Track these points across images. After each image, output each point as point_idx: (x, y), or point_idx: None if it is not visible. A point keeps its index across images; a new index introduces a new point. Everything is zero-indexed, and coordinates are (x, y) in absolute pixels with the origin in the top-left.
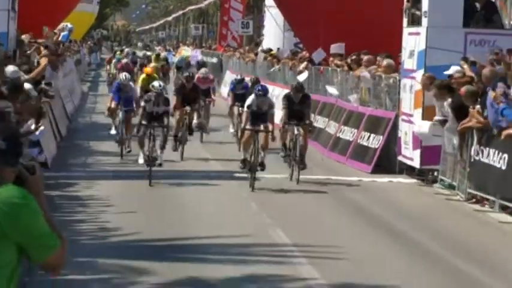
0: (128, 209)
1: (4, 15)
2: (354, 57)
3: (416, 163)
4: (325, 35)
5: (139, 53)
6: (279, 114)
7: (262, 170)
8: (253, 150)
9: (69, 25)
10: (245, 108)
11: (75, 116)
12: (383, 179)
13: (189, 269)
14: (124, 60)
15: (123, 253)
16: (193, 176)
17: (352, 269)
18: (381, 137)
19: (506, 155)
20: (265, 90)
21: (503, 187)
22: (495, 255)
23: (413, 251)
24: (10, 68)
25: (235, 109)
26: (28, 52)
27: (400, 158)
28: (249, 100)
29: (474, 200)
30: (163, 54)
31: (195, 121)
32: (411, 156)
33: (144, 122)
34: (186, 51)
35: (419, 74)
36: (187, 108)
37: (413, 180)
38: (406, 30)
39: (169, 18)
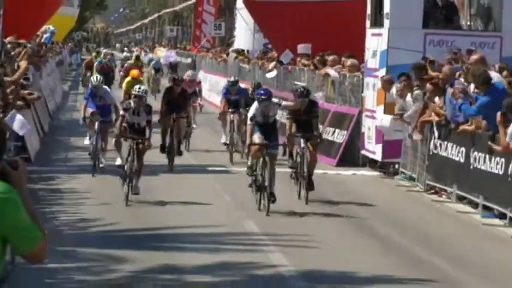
0: (107, 201)
1: None
2: (317, 58)
3: (378, 156)
4: (292, 37)
5: (121, 55)
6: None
7: (273, 201)
8: (262, 168)
9: (51, 28)
10: (248, 121)
11: (56, 113)
12: (347, 172)
13: (166, 257)
14: (103, 61)
15: (102, 242)
16: (168, 170)
17: (319, 256)
18: (345, 132)
19: (463, 149)
20: (268, 94)
21: (460, 179)
22: (452, 242)
23: (375, 238)
24: None
25: (228, 116)
26: (12, 53)
27: (363, 152)
28: (252, 110)
29: (433, 191)
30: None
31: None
32: (374, 150)
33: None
34: (161, 51)
35: (381, 73)
36: (173, 115)
37: (376, 173)
38: (369, 31)
39: (146, 21)
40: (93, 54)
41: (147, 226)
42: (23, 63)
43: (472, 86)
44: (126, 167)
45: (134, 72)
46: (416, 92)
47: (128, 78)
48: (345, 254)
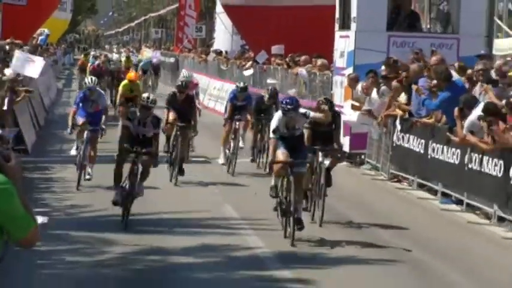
0: (97, 189)
1: None
2: (287, 58)
3: (346, 148)
4: (267, 38)
5: (112, 56)
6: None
7: (300, 229)
8: (286, 190)
9: (46, 31)
10: (271, 135)
11: (51, 108)
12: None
13: (152, 240)
14: (96, 62)
15: (92, 227)
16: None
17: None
18: None
19: (423, 141)
20: (294, 103)
21: (421, 168)
22: (413, 226)
23: (341, 222)
24: None
25: (233, 123)
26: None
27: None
28: (274, 121)
29: (396, 179)
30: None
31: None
32: (342, 142)
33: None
34: (147, 52)
35: (348, 71)
36: (179, 123)
37: (344, 163)
38: (338, 33)
39: (133, 24)
40: (82, 56)
41: (134, 212)
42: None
43: (434, 82)
44: (126, 185)
45: (131, 74)
46: (383, 88)
47: (125, 81)
48: (316, 237)
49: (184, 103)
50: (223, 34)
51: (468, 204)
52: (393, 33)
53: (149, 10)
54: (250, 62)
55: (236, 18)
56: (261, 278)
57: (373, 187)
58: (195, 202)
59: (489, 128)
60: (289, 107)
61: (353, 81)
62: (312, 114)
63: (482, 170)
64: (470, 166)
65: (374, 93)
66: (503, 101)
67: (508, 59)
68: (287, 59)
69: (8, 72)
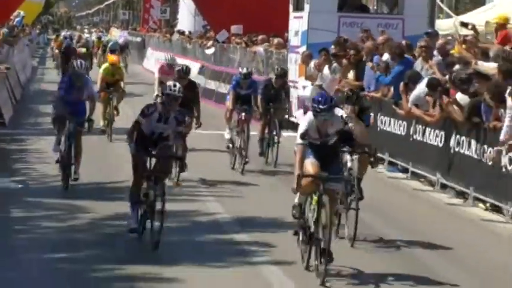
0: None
1: None
2: (245, 38)
3: (300, 120)
4: (227, 18)
5: (90, 36)
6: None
7: (329, 262)
8: (316, 210)
9: (22, 13)
10: (298, 140)
11: (27, 84)
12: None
13: (120, 206)
14: (69, 43)
15: (65, 194)
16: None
17: (251, 207)
18: None
19: (372, 113)
20: (328, 102)
21: (370, 139)
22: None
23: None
24: None
25: (235, 115)
26: None
27: (291, 118)
28: (303, 124)
29: None
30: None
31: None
32: (295, 114)
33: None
34: (115, 32)
35: (302, 50)
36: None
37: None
38: (292, 14)
39: (102, 6)
40: (54, 36)
41: (105, 180)
42: None
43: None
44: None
45: (113, 57)
46: (334, 65)
47: (106, 65)
48: (273, 205)
49: (187, 90)
50: (187, 15)
51: (413, 173)
52: (343, 14)
53: None
54: (211, 41)
55: (198, 0)
56: (222, 242)
57: None
58: None
59: (441, 97)
60: (321, 107)
61: (307, 59)
62: (350, 124)
63: (425, 140)
64: (414, 137)
65: (326, 70)
66: (446, 76)
67: (449, 37)
68: (245, 39)
69: None
